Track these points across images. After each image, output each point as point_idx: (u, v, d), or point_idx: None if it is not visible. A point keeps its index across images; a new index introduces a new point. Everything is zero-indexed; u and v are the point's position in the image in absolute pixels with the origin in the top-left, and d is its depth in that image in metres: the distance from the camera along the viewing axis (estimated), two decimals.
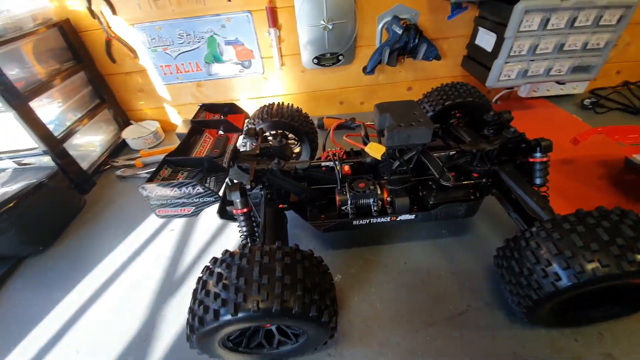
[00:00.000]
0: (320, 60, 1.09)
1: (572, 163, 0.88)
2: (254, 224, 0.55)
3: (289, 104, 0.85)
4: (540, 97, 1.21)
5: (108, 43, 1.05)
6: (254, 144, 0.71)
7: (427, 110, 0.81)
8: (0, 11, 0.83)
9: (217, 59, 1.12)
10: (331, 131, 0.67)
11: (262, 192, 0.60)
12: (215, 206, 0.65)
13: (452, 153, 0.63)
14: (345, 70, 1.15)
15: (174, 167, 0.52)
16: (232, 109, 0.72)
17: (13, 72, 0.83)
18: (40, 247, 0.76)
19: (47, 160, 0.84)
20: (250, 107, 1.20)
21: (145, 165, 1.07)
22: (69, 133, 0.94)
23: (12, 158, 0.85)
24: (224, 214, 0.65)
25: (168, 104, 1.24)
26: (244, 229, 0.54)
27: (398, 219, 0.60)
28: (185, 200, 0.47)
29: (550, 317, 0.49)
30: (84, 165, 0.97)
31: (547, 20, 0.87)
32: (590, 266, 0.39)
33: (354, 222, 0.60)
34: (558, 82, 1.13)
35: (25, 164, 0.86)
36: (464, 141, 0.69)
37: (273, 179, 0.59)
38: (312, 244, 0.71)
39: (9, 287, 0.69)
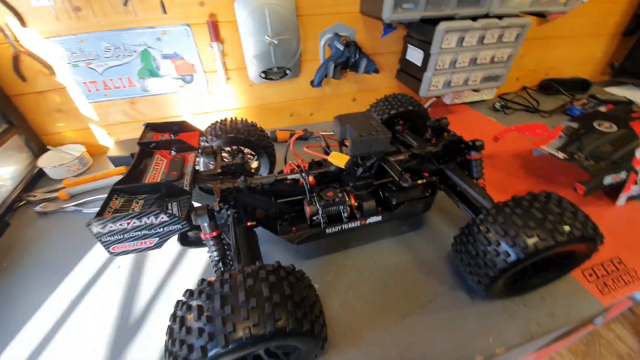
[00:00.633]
0: (267, 74, 1.09)
1: (494, 157, 1.03)
2: (225, 247, 0.52)
3: (242, 118, 0.83)
4: (462, 103, 1.40)
5: (16, 59, 0.89)
6: (211, 162, 0.67)
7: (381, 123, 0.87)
8: None
9: (153, 73, 1.03)
10: (291, 144, 0.68)
11: (229, 213, 0.57)
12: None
13: (405, 157, 0.69)
14: (293, 84, 1.17)
15: (127, 195, 0.47)
16: (182, 127, 0.67)
17: None
18: None
19: None
20: (196, 123, 1.13)
21: (72, 197, 0.92)
22: None
23: None
24: (186, 240, 0.60)
25: (95, 124, 1.10)
26: (215, 253, 0.51)
27: (367, 222, 0.63)
28: (146, 232, 0.42)
29: (503, 290, 0.57)
30: None
31: (463, 39, 1.02)
32: (531, 241, 0.47)
33: (327, 231, 0.61)
34: (474, 90, 1.33)
35: None
36: (411, 145, 0.77)
37: (240, 197, 0.57)
38: (285, 258, 0.70)
39: None
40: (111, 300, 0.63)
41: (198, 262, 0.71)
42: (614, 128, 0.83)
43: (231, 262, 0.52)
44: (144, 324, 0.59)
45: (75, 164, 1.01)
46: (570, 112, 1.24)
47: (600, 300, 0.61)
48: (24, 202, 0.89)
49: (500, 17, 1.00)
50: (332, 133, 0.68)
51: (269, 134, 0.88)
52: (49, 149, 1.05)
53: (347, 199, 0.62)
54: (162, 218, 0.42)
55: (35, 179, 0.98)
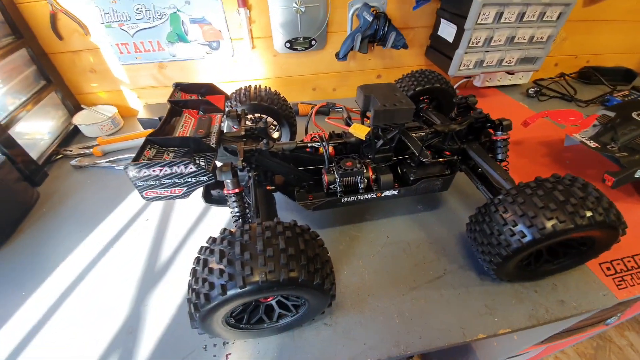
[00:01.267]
0: (292, 44, 1.08)
1: (521, 144, 0.99)
2: (245, 205, 0.55)
3: (266, 86, 0.84)
4: (492, 86, 1.33)
5: (53, 17, 0.92)
6: (235, 126, 0.69)
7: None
8: None
9: (182, 38, 1.05)
10: (313, 114, 0.68)
11: (250, 174, 0.59)
12: (196, 193, 0.63)
13: (428, 133, 0.68)
14: (318, 56, 1.15)
15: (158, 147, 0.49)
16: (210, 89, 0.69)
17: None
18: None
19: None
20: None
21: (106, 154, 0.98)
22: (13, 119, 0.82)
23: None
24: (209, 198, 0.63)
25: (126, 87, 1.14)
26: (236, 210, 0.54)
27: (383, 194, 0.64)
28: (176, 180, 0.45)
29: (514, 273, 0.57)
30: (33, 154, 0.86)
31: (501, 14, 0.96)
32: (549, 223, 0.46)
33: (342, 200, 0.62)
34: (508, 73, 1.26)
35: None
36: (433, 123, 0.75)
37: (262, 160, 0.59)
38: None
39: None
40: (139, 249, 0.68)
41: (220, 220, 0.75)
42: None
43: (250, 220, 0.55)
44: (167, 271, 0.64)
45: (107, 123, 1.07)
46: (609, 103, 1.16)
47: (615, 294, 0.60)
48: (61, 155, 0.96)
49: None
50: (355, 108, 0.67)
51: (291, 105, 0.88)
52: (83, 108, 1.11)
53: (365, 170, 0.62)
54: (191, 168, 0.44)
55: (71, 135, 1.05)
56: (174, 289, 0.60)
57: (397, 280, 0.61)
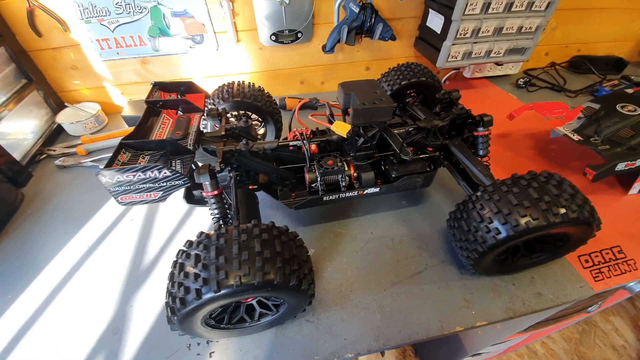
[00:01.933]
0: (278, 37, 1.06)
1: (507, 136, 1.00)
2: (226, 206, 0.55)
3: (249, 82, 0.83)
4: (482, 77, 1.32)
5: (30, 13, 0.90)
6: (217, 125, 0.69)
7: (385, 89, 0.85)
8: None
9: (164, 32, 1.02)
10: (296, 111, 0.67)
11: (231, 175, 0.59)
12: (179, 193, 0.63)
13: (409, 130, 0.68)
14: (304, 49, 1.13)
15: (134, 151, 0.49)
16: (189, 88, 0.68)
17: None
18: None
19: None
20: (206, 86, 1.13)
21: (90, 153, 0.97)
22: None
23: None
24: (191, 198, 0.64)
25: (109, 83, 1.12)
26: (216, 211, 0.54)
27: (365, 192, 0.64)
28: (151, 185, 0.45)
29: (492, 267, 0.58)
30: (16, 155, 0.85)
31: (489, 5, 0.94)
32: (523, 220, 0.47)
33: (324, 198, 0.63)
34: (497, 63, 1.25)
35: None
36: (419, 118, 0.75)
37: (242, 160, 0.58)
38: (285, 223, 0.72)
39: None
40: (123, 250, 0.69)
41: (204, 220, 0.75)
42: (639, 112, 0.77)
43: (231, 221, 0.55)
44: (152, 271, 0.64)
45: (91, 121, 1.05)
46: (598, 93, 1.16)
47: (591, 286, 0.61)
48: (45, 155, 0.95)
49: None
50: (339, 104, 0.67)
51: (277, 101, 0.87)
52: (66, 106, 1.09)
53: (346, 168, 0.62)
54: (165, 173, 0.44)
55: (55, 134, 1.03)
56: (158, 290, 0.61)
57: (379, 276, 0.62)
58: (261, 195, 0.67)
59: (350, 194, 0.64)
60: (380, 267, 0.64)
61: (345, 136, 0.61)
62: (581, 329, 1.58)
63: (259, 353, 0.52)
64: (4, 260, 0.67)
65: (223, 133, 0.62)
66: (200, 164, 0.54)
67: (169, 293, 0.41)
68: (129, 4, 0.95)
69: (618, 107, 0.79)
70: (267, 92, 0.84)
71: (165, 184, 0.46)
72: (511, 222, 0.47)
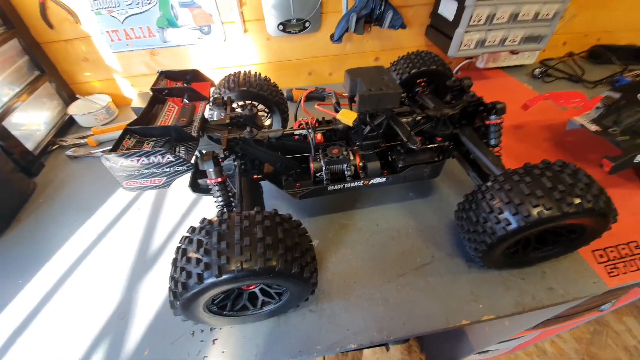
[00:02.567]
0: (285, 26, 1.05)
1: (521, 128, 0.96)
2: (230, 194, 0.55)
3: (256, 72, 0.82)
4: (496, 67, 1.28)
5: (42, 5, 0.91)
6: (222, 114, 0.68)
7: (393, 77, 0.83)
8: None
9: (172, 23, 1.02)
10: (302, 101, 0.67)
11: (236, 163, 0.59)
12: (186, 182, 0.63)
13: (418, 118, 0.66)
14: (312, 38, 1.12)
15: (138, 137, 0.49)
16: (195, 76, 0.68)
17: None
18: None
19: None
20: (214, 78, 1.13)
21: (100, 144, 0.98)
22: (7, 110, 0.83)
23: None
24: (196, 187, 0.64)
25: (119, 75, 1.13)
26: (220, 199, 0.54)
27: (370, 182, 0.63)
28: (154, 170, 0.45)
29: (502, 260, 0.56)
30: (29, 145, 0.87)
31: None
32: (535, 210, 0.45)
33: (329, 188, 0.62)
34: (512, 52, 1.20)
35: None
36: (428, 108, 0.73)
37: (246, 149, 0.58)
38: (289, 212, 0.72)
39: None
40: (131, 238, 0.70)
41: (210, 208, 0.75)
42: None
43: (235, 209, 0.55)
44: (158, 259, 0.65)
45: (102, 113, 1.07)
46: (618, 84, 1.10)
47: (605, 282, 0.59)
48: (57, 146, 0.97)
49: None
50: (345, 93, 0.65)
51: (284, 92, 0.87)
52: (78, 98, 1.11)
53: (351, 158, 0.61)
54: (169, 158, 0.44)
55: (66, 125, 1.05)
56: (163, 277, 0.62)
57: (384, 268, 0.61)
58: (266, 185, 0.67)
59: (356, 183, 0.63)
60: (386, 258, 0.63)
61: (351, 124, 0.60)
62: (593, 328, 1.53)
63: (261, 341, 0.52)
64: (16, 247, 0.69)
65: (228, 121, 0.61)
66: (204, 152, 0.53)
67: (172, 278, 0.41)
68: None
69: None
70: (273, 82, 0.84)
71: (168, 169, 0.46)
72: (522, 213, 0.45)
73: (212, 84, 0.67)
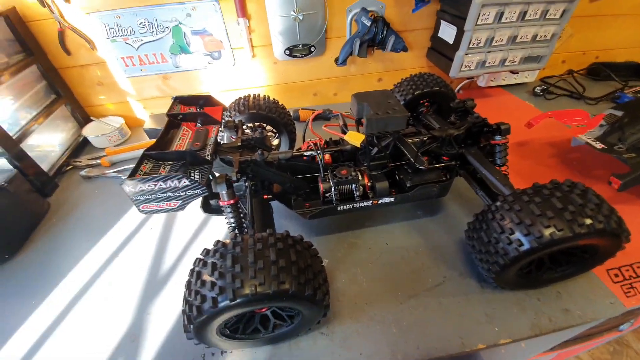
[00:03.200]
0: (292, 51, 1.09)
1: (526, 145, 0.97)
2: (241, 215, 0.56)
3: (265, 95, 0.85)
4: (497, 86, 1.31)
5: (61, 34, 0.96)
6: (233, 136, 0.70)
7: (398, 99, 0.85)
8: None
9: (184, 49, 1.07)
10: (310, 122, 0.69)
11: (247, 184, 0.60)
12: (197, 202, 0.64)
13: (424, 139, 0.68)
14: (317, 62, 1.16)
15: (155, 161, 0.51)
16: (208, 101, 0.71)
17: None
18: (6, 256, 0.70)
19: (2, 163, 0.77)
20: (223, 99, 1.17)
21: (113, 164, 1.01)
22: (25, 133, 0.86)
23: None
24: (208, 207, 0.65)
25: (132, 98, 1.17)
26: (232, 220, 0.55)
27: (379, 202, 0.64)
28: (171, 194, 0.46)
29: (516, 281, 0.56)
30: (44, 166, 0.89)
31: (502, 14, 0.94)
32: (547, 231, 0.45)
33: (338, 208, 0.63)
34: (512, 72, 1.23)
35: None
36: (433, 128, 0.74)
37: (257, 170, 0.59)
38: (299, 232, 0.72)
39: None
40: (143, 258, 0.70)
41: (220, 228, 0.76)
42: None
43: (246, 230, 0.56)
44: (169, 279, 0.65)
45: (115, 134, 1.10)
46: (620, 100, 1.12)
47: (623, 302, 0.58)
48: (71, 166, 1.00)
49: None
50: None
51: (291, 113, 0.89)
52: (92, 120, 1.15)
53: (360, 178, 0.62)
54: (185, 182, 0.46)
55: (80, 146, 1.08)
56: (175, 298, 0.62)
57: (395, 288, 0.61)
58: (275, 204, 0.68)
59: (365, 203, 0.63)
60: (396, 278, 0.63)
61: (359, 146, 0.61)
62: (612, 349, 1.48)
63: None
64: (30, 267, 0.70)
65: (239, 144, 0.63)
66: (217, 174, 0.55)
67: (186, 301, 0.42)
68: (152, 24, 1.00)
69: None
70: (282, 104, 0.86)
71: (184, 193, 0.47)
72: (534, 234, 0.46)
73: (225, 108, 0.70)
